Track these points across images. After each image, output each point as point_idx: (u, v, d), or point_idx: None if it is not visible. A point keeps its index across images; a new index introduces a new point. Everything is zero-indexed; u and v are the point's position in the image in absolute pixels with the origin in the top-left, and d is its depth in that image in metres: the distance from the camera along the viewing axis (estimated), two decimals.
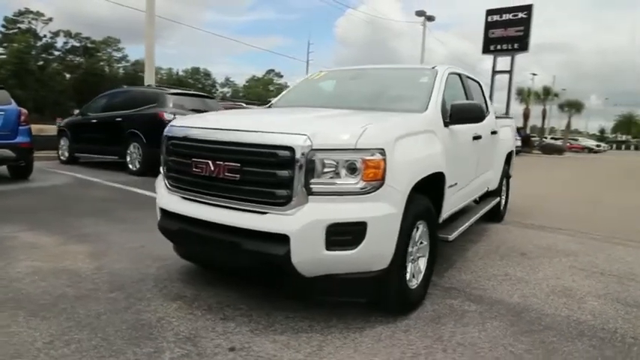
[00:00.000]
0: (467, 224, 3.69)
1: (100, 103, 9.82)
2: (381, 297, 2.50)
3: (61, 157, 10.27)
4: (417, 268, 2.76)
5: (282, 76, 78.14)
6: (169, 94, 8.62)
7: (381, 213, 2.24)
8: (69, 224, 4.48)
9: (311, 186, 2.19)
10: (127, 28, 59.94)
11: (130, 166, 8.50)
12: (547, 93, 49.43)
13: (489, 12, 38.45)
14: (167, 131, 2.74)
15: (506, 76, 35.77)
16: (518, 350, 2.30)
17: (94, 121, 9.40)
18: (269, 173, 2.24)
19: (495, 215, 5.24)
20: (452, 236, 3.28)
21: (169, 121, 8.22)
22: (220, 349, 2.18)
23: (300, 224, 2.16)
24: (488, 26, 37.80)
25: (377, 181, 2.22)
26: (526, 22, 35.53)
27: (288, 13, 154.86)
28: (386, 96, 3.50)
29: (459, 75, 3.98)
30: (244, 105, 12.03)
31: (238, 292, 2.87)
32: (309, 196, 2.20)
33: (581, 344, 2.40)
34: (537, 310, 2.83)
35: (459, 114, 3.11)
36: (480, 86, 4.68)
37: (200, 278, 3.11)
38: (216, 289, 2.90)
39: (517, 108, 44.16)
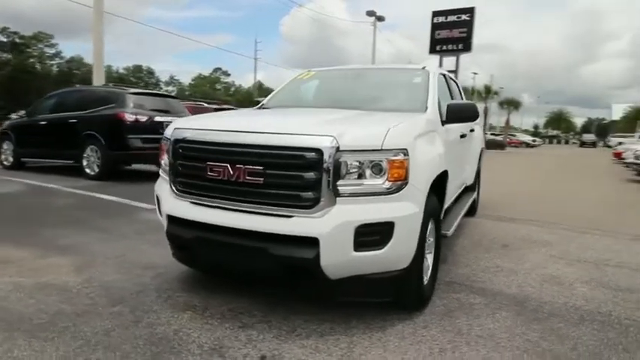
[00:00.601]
0: (459, 219, 3.82)
1: (48, 103, 9.13)
2: (403, 295, 2.53)
3: (4, 163, 9.47)
4: (426, 264, 2.82)
5: (229, 75, 76.79)
6: (130, 93, 8.19)
7: (407, 212, 2.27)
8: (39, 235, 4.15)
9: (338, 187, 2.18)
10: (62, 23, 56.22)
11: (88, 170, 7.99)
12: (488, 91, 52.11)
13: (435, 13, 39.74)
14: (172, 133, 2.60)
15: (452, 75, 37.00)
16: (533, 338, 2.42)
17: (44, 123, 8.73)
18: (295, 176, 2.19)
19: (471, 210, 5.46)
20: (450, 232, 3.38)
21: (132, 122, 7.98)
22: (250, 359, 2.11)
23: (330, 226, 2.14)
24: (434, 27, 39.03)
25: (401, 181, 2.24)
26: (469, 24, 37.11)
27: (231, 10, 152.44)
28: (384, 96, 3.54)
29: (444, 75, 4.10)
30: (205, 105, 11.69)
31: (247, 297, 2.79)
32: (337, 198, 2.18)
33: (586, 328, 2.56)
34: (536, 299, 2.98)
35: (456, 113, 3.21)
36: (458, 86, 4.86)
37: (202, 285, 2.99)
38: (224, 296, 2.80)
39: None
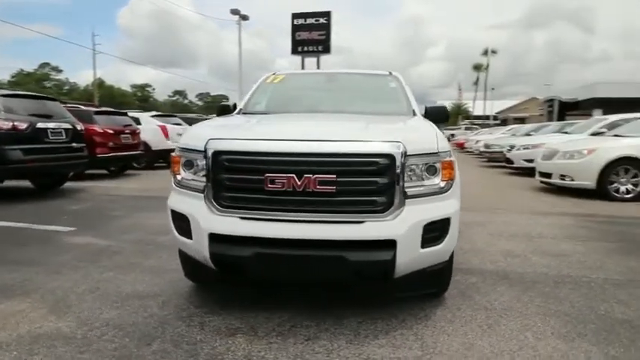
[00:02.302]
0: None
1: None
2: (442, 283, 2.76)
3: None
4: None
5: (61, 71, 67.59)
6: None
7: (456, 208, 2.50)
8: None
9: (406, 190, 2.30)
10: None
11: None
12: None
13: (295, 15, 40.95)
14: (207, 145, 2.37)
15: None
16: (540, 303, 2.89)
17: None
18: (369, 182, 2.24)
19: None
20: None
21: (7, 130, 6.58)
22: None
23: (405, 227, 2.26)
24: (295, 29, 40.29)
25: (451, 180, 2.47)
26: (327, 27, 39.29)
27: None
28: (370, 101, 3.71)
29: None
30: (82, 107, 10.21)
31: (278, 309, 2.70)
32: (406, 200, 2.30)
33: (566, 289, 3.15)
34: (513, 272, 3.53)
35: (433, 115, 3.55)
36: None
37: (219, 305, 2.80)
38: (260, 312, 2.67)
39: None
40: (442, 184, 2.43)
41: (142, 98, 75.24)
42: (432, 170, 2.40)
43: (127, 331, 2.47)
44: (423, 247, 2.34)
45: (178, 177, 2.58)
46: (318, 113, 3.32)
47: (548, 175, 7.91)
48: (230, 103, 3.83)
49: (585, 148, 7.36)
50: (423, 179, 2.37)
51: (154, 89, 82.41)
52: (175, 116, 14.32)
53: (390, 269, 2.28)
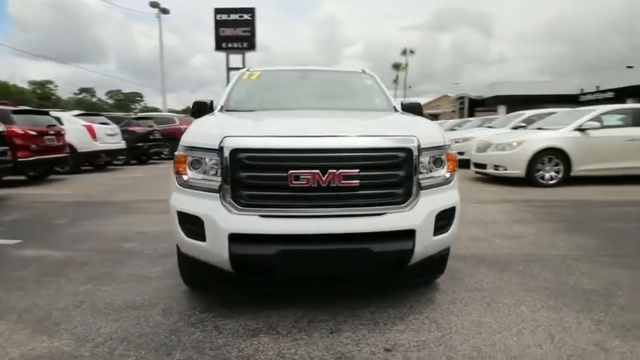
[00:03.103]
0: None
1: None
2: (442, 269, 2.93)
3: None
4: None
5: None
6: None
7: (459, 197, 2.68)
8: None
9: (421, 181, 2.43)
10: None
11: None
12: None
13: (217, 11, 39.93)
14: (222, 143, 2.29)
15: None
16: (522, 280, 3.19)
17: None
18: (390, 175, 2.33)
19: None
20: None
21: None
22: (377, 352, 2.18)
23: (422, 217, 2.38)
24: (218, 24, 39.31)
25: (454, 171, 2.64)
26: (251, 24, 38.75)
27: None
28: (355, 97, 3.77)
29: None
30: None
31: (295, 307, 2.71)
32: (420, 191, 2.42)
33: (536, 267, 3.50)
34: (486, 255, 3.84)
35: (410, 110, 3.73)
36: None
37: (226, 306, 2.73)
38: (272, 311, 2.65)
39: None
40: (447, 175, 2.59)
41: (42, 96, 68.22)
42: (438, 162, 2.55)
43: (138, 343, 2.32)
44: (435, 235, 2.48)
45: (185, 177, 2.46)
46: (317, 110, 3.33)
47: (483, 166, 8.62)
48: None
49: (515, 140, 8.13)
50: (431, 171, 2.51)
51: (56, 86, 75.19)
52: (101, 115, 13.27)
53: (408, 258, 2.39)
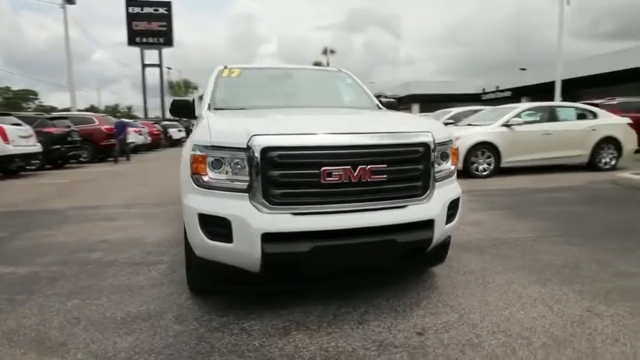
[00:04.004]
0: None
1: None
2: (445, 256, 3.13)
3: None
4: None
5: None
6: None
7: (461, 189, 2.89)
8: None
9: (435, 174, 2.59)
10: None
11: None
12: (187, 86, 53.67)
13: (129, 3, 37.69)
14: (256, 142, 2.24)
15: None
16: (499, 262, 3.52)
17: None
18: (413, 169, 2.46)
19: None
20: None
21: None
22: (410, 336, 2.30)
23: (439, 207, 2.55)
24: (131, 17, 37.13)
25: (456, 164, 2.86)
26: (168, 18, 36.98)
27: None
28: (341, 95, 3.84)
29: None
30: None
31: (312, 303, 2.74)
32: (435, 183, 2.59)
33: (505, 249, 3.88)
34: (462, 241, 4.12)
35: (389, 108, 3.93)
36: None
37: (248, 308, 2.68)
38: (293, 309, 2.66)
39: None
40: (452, 168, 2.79)
41: None
42: (445, 156, 2.74)
43: (168, 354, 2.20)
44: (446, 223, 2.67)
45: (205, 178, 2.37)
46: (314, 108, 3.36)
47: None
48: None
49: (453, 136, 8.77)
50: (440, 164, 2.69)
51: None
52: (11, 115, 11.81)
53: (427, 246, 2.55)
